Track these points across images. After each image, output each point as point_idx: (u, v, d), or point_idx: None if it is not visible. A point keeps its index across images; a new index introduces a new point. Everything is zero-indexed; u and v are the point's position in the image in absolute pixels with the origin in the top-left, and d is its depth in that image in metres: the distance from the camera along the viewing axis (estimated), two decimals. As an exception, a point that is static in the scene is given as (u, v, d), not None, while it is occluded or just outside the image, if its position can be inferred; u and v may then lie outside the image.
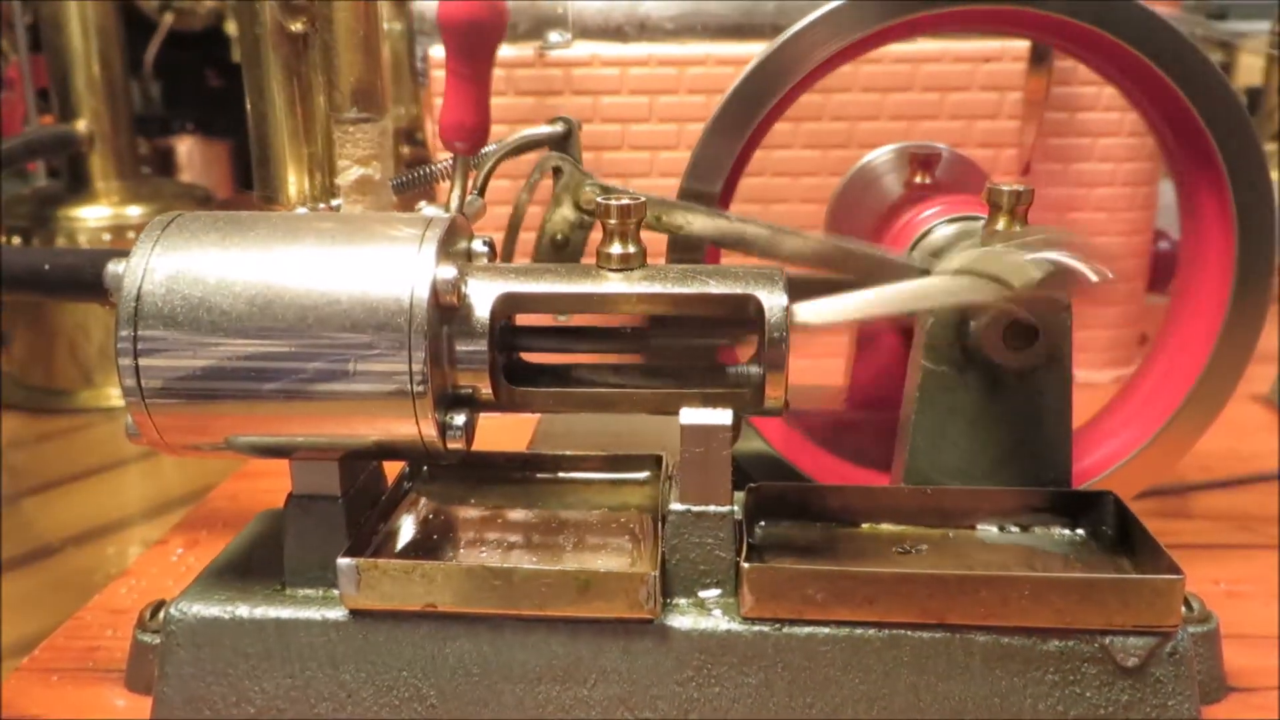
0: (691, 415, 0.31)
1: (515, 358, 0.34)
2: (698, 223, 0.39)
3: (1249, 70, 1.17)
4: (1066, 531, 0.35)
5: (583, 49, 0.60)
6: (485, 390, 0.31)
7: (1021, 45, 0.59)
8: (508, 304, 0.31)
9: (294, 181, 0.40)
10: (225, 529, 0.48)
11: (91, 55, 0.87)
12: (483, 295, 0.31)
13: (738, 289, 0.31)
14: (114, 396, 0.80)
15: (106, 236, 0.83)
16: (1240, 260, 0.39)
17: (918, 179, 0.48)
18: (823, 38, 0.39)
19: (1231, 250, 0.39)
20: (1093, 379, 0.68)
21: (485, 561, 0.33)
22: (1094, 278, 0.30)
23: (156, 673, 0.32)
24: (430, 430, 0.30)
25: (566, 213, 0.39)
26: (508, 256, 0.40)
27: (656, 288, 0.31)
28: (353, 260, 0.30)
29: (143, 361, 0.30)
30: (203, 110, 1.60)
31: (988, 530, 0.36)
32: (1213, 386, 0.42)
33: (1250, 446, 0.56)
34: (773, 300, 0.31)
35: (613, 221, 0.31)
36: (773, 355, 0.31)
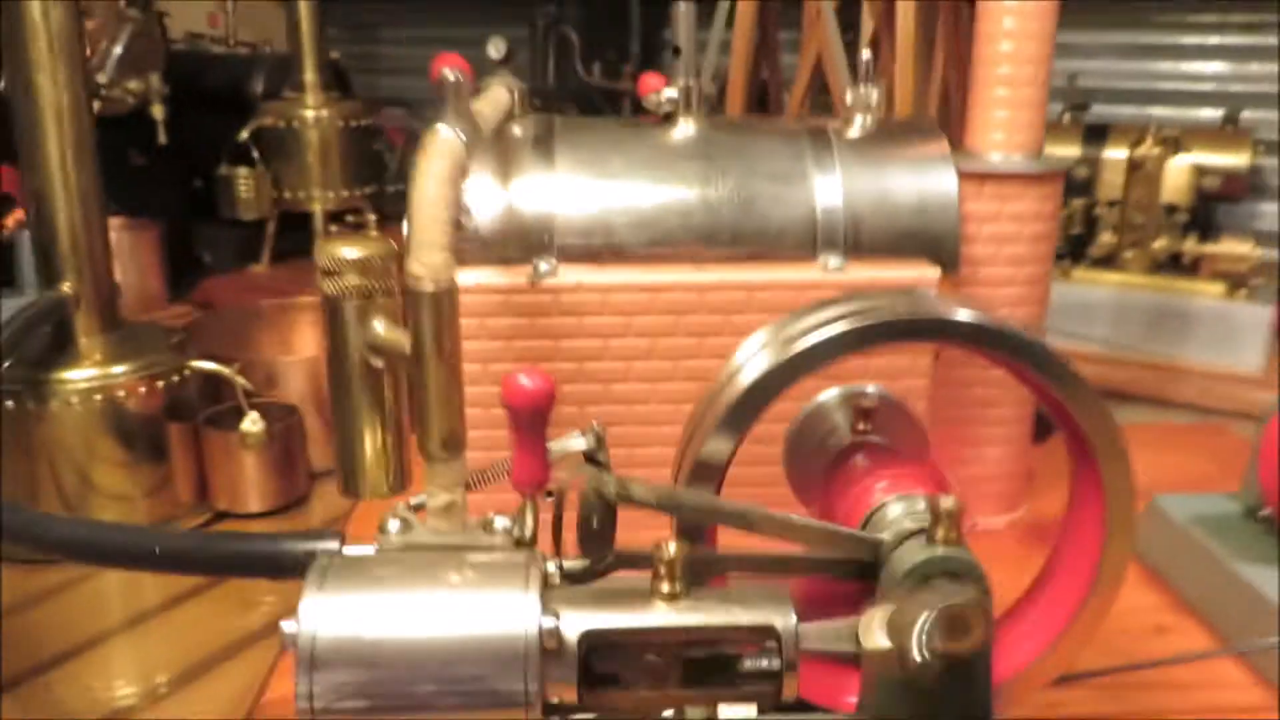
0: (727, 711, 0.42)
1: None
2: (703, 511, 0.49)
3: (1110, 186, 1.34)
4: (990, 757, 0.48)
5: (568, 275, 0.70)
6: (571, 698, 0.42)
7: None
8: (590, 637, 0.41)
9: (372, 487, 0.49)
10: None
11: (75, 220, 0.92)
12: (570, 627, 0.41)
13: (760, 618, 0.42)
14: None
15: (98, 398, 0.89)
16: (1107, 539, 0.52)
17: (861, 427, 0.59)
18: (808, 361, 0.50)
19: (1102, 516, 0.52)
20: (988, 524, 0.81)
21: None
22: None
23: None
24: (537, 744, 0.41)
25: (595, 503, 0.48)
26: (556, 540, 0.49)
27: (699, 618, 0.42)
28: (475, 608, 0.40)
29: (317, 699, 0.39)
30: (128, 191, 1.62)
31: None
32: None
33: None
34: (786, 623, 0.42)
35: (663, 569, 0.42)
36: (789, 664, 0.42)
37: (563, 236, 0.71)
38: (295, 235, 1.70)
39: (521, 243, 0.71)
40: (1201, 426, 1.03)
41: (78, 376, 0.90)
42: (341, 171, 1.77)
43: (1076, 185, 1.41)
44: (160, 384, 0.95)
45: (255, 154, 1.63)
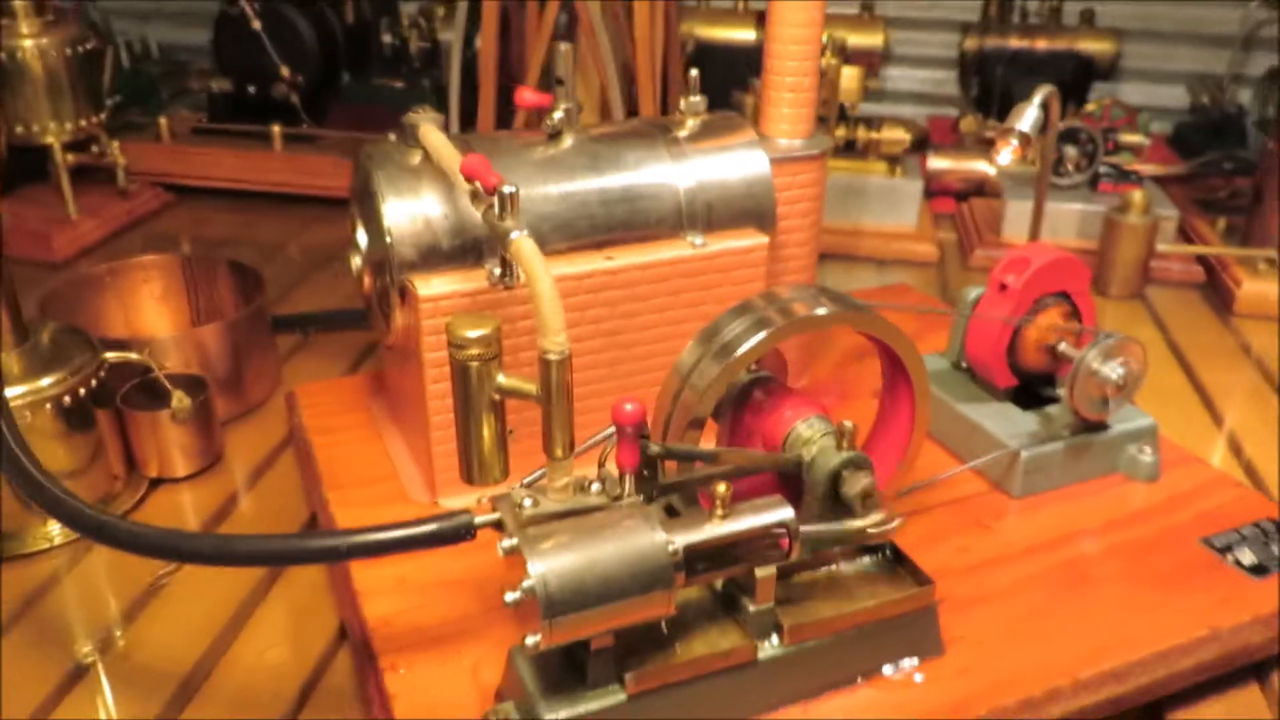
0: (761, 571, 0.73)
1: (672, 559, 0.72)
2: (698, 455, 0.78)
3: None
4: (878, 557, 0.83)
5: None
6: (681, 582, 0.70)
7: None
8: (689, 548, 0.70)
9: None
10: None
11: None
12: (679, 543, 0.69)
13: (777, 518, 0.72)
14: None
15: (28, 415, 0.99)
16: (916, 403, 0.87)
17: (753, 366, 0.90)
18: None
19: (913, 395, 0.87)
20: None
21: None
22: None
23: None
24: (672, 613, 0.69)
25: (645, 459, 0.76)
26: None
27: (745, 525, 0.71)
28: (632, 544, 0.67)
29: (557, 618, 0.65)
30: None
31: (845, 563, 0.82)
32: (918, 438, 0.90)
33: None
34: (791, 519, 0.73)
35: (718, 500, 0.71)
36: (794, 539, 0.73)
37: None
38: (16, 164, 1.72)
39: (472, 250, 0.92)
40: (898, 288, 1.44)
41: (13, 394, 0.99)
42: (73, 101, 1.75)
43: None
44: (90, 382, 1.06)
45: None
